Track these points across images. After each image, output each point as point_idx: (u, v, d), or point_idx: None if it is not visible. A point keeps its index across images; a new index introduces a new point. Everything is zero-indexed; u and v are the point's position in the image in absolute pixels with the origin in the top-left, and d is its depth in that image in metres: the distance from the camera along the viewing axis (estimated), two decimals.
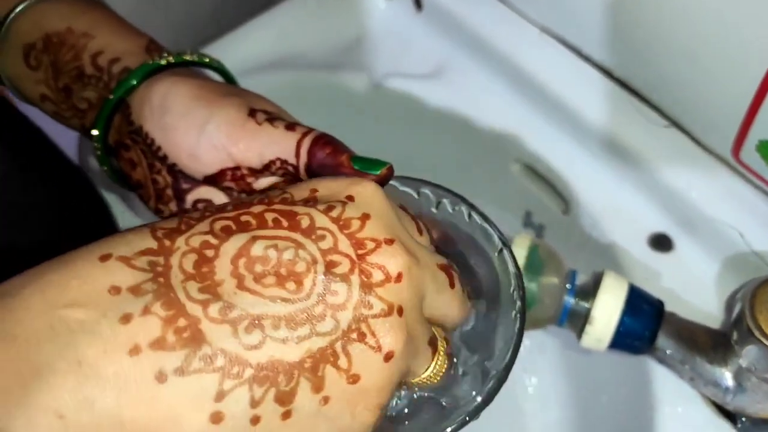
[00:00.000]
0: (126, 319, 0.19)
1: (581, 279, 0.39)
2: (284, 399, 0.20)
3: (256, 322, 0.20)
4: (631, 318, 0.37)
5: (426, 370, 0.24)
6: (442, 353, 0.25)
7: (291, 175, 0.29)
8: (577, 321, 0.38)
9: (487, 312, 0.29)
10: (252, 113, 0.29)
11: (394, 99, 0.55)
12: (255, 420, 0.20)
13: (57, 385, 0.18)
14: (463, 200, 0.30)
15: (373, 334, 0.21)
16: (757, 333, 0.33)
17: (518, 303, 0.27)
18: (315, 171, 0.28)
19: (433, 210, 0.30)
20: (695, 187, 0.43)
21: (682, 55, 0.41)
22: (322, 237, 0.22)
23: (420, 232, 0.26)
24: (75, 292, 0.19)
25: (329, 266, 0.21)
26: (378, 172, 0.27)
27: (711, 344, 0.37)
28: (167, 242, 0.21)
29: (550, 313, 0.39)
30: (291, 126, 0.28)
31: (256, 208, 0.22)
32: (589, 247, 0.47)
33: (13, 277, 0.20)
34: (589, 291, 0.38)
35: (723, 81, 0.39)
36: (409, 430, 0.27)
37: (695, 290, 0.42)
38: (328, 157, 0.27)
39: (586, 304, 0.38)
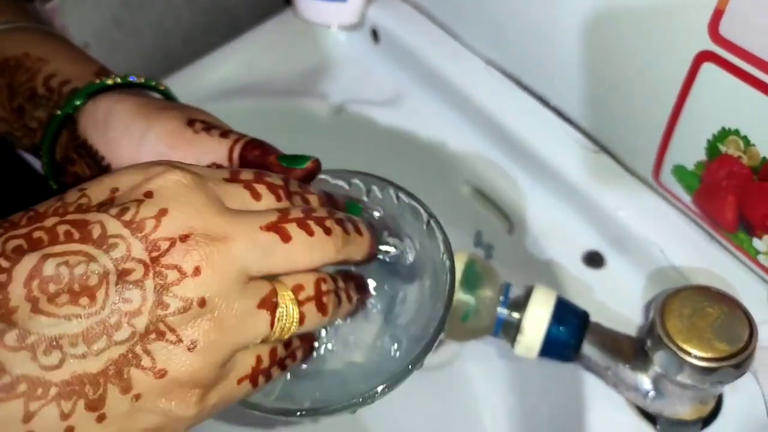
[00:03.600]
0: None
1: (515, 292, 0.42)
2: (95, 405, 0.21)
3: (54, 343, 0.21)
4: (558, 328, 0.40)
5: (277, 323, 0.24)
6: (287, 302, 0.25)
7: None
8: (510, 331, 0.41)
9: (421, 278, 0.32)
10: (190, 123, 0.31)
11: (353, 124, 0.58)
12: (69, 429, 0.21)
13: None
14: (391, 183, 0.32)
15: (173, 331, 0.22)
16: (665, 339, 0.37)
17: (447, 263, 0.30)
18: None
19: (365, 198, 0.32)
20: (622, 208, 0.46)
21: (607, 86, 0.45)
22: (114, 245, 0.22)
23: (256, 197, 0.26)
24: None
25: (122, 275, 0.22)
26: (304, 166, 0.29)
27: (632, 351, 0.40)
28: None
29: (486, 324, 0.42)
30: (225, 133, 0.31)
31: (49, 221, 0.22)
32: (531, 264, 0.50)
33: None
34: (521, 303, 0.41)
35: (642, 111, 0.43)
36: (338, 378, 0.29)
37: (624, 302, 0.45)
38: (258, 158, 0.30)
39: (518, 316, 0.41)
